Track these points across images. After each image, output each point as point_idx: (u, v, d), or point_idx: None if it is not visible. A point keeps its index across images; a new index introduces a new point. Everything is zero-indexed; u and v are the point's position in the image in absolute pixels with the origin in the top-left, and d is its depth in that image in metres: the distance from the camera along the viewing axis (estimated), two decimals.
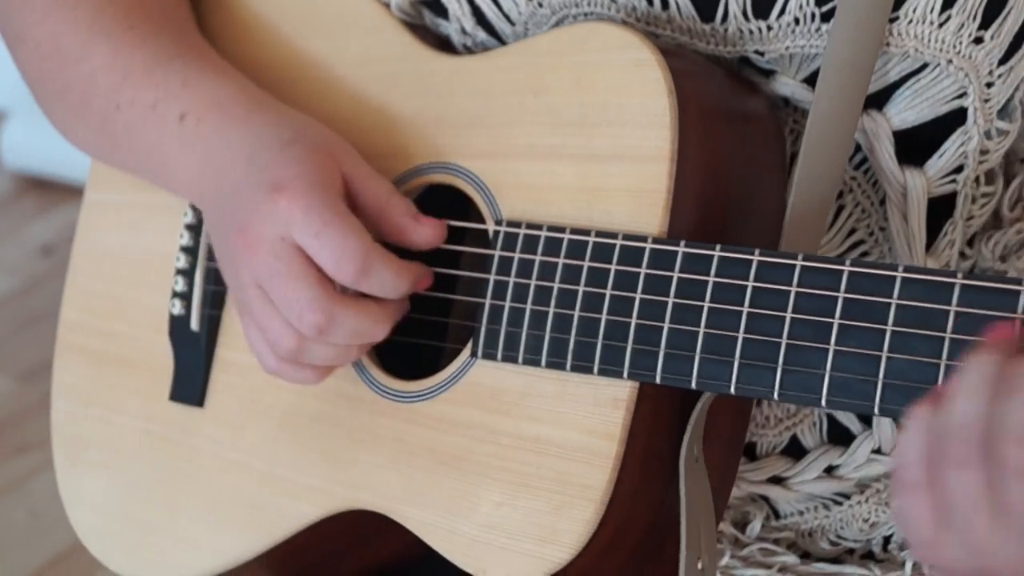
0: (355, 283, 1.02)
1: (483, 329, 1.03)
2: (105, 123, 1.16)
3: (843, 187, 1.07)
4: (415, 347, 1.11)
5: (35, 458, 2.65)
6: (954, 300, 0.86)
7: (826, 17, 1.01)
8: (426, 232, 1.06)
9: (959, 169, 1.06)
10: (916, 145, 1.05)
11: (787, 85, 1.05)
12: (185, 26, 1.20)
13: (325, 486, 1.10)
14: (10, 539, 2.56)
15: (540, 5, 1.08)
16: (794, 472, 1.13)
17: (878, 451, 1.12)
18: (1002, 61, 1.02)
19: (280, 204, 1.01)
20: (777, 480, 1.14)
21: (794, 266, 0.91)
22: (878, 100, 1.04)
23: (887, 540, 1.16)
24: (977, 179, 1.08)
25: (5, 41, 1.23)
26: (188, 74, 1.13)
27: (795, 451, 1.13)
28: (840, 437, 1.12)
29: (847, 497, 1.14)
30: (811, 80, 1.04)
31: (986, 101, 1.03)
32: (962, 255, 1.10)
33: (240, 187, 1.05)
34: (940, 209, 1.07)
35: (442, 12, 1.13)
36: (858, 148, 1.06)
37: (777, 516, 1.16)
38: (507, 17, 1.10)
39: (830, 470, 1.13)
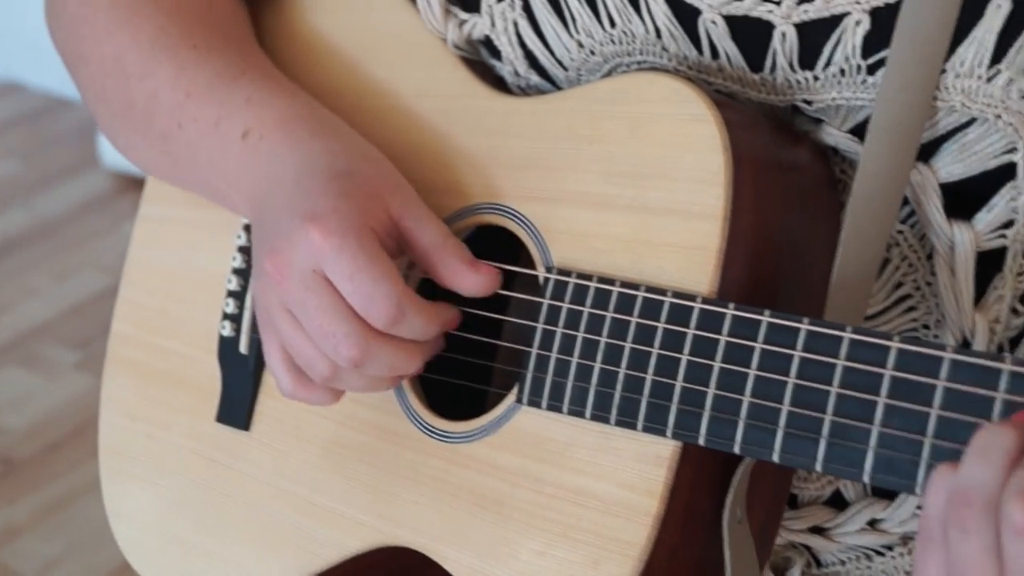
0: (386, 328, 1.01)
1: (529, 376, 1.02)
2: (166, 141, 1.16)
3: (890, 241, 1.05)
4: (460, 387, 1.11)
5: None
6: (1001, 387, 0.84)
7: (872, 69, 0.99)
8: (481, 280, 1.05)
9: (1009, 224, 1.04)
10: (964, 198, 1.03)
11: (832, 135, 1.04)
12: (248, 45, 1.20)
13: (367, 519, 1.10)
14: (91, 538, 2.59)
15: (592, 53, 1.07)
16: (836, 523, 1.12)
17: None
18: None
19: (313, 236, 1.00)
20: (819, 530, 1.13)
21: (842, 338, 0.90)
22: (925, 153, 1.02)
23: None
24: None
25: (67, 63, 1.23)
26: (252, 92, 1.12)
27: (838, 502, 1.12)
28: (885, 490, 1.11)
29: (890, 548, 1.13)
30: (856, 131, 1.03)
31: None
32: (1014, 311, 1.08)
33: (281, 208, 1.05)
34: (989, 263, 1.05)
35: (496, 53, 1.13)
36: (905, 201, 1.05)
37: (819, 564, 1.15)
38: (560, 63, 1.09)
39: (873, 523, 1.12)
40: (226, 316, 1.21)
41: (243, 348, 1.20)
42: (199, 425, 1.22)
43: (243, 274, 1.20)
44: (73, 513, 2.66)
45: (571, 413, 1.00)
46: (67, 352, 3.07)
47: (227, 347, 1.21)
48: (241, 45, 1.18)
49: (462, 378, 1.11)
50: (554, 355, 1.01)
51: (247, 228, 1.21)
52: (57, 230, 3.48)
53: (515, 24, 1.11)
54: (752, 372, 0.93)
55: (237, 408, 1.20)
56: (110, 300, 3.24)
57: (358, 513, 1.11)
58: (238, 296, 1.20)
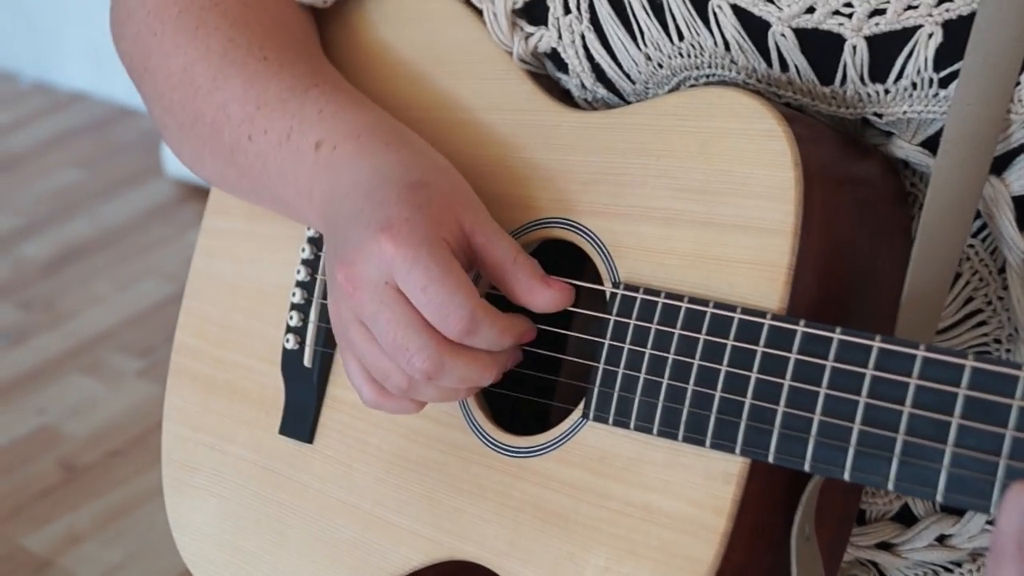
0: (460, 339, 1.00)
1: (596, 391, 1.01)
2: (235, 153, 1.16)
3: (960, 255, 1.04)
4: (525, 402, 1.10)
5: None
6: None
7: (944, 83, 0.98)
8: (554, 296, 1.04)
9: None
10: None
11: (903, 149, 1.03)
12: (317, 58, 1.20)
13: (430, 533, 1.10)
14: (153, 545, 2.60)
15: (660, 66, 1.07)
16: (904, 539, 1.11)
17: (992, 522, 1.09)
18: None
19: (386, 247, 1.00)
20: (886, 546, 1.12)
21: (915, 356, 0.89)
22: (998, 166, 1.01)
23: None
24: None
25: (133, 74, 1.23)
26: (324, 104, 1.12)
27: (906, 518, 1.11)
28: (952, 506, 1.09)
29: (959, 565, 1.12)
30: (927, 144, 1.02)
31: None
32: None
33: (353, 219, 1.04)
34: None
35: (563, 66, 1.12)
36: (975, 215, 1.03)
37: None
38: (627, 76, 1.09)
39: (942, 539, 1.11)
40: (290, 329, 1.21)
41: (307, 361, 1.20)
42: (262, 437, 1.22)
43: (307, 287, 1.20)
44: (135, 520, 2.67)
45: (638, 429, 0.99)
46: (130, 360, 3.08)
47: (291, 360, 1.21)
48: (310, 58, 1.18)
49: (527, 392, 1.10)
50: (621, 370, 1.00)
51: (311, 241, 1.21)
52: (121, 238, 3.50)
53: (582, 37, 1.10)
54: (823, 390, 0.92)
55: (301, 421, 1.20)
56: (173, 308, 3.25)
57: (421, 527, 1.10)
58: (302, 309, 1.20)
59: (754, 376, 0.94)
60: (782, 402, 0.93)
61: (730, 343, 0.96)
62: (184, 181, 3.60)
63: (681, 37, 1.05)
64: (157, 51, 1.19)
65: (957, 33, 0.97)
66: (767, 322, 0.94)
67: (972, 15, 0.96)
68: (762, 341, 0.94)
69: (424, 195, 1.03)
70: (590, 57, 1.10)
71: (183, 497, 1.28)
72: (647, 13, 1.06)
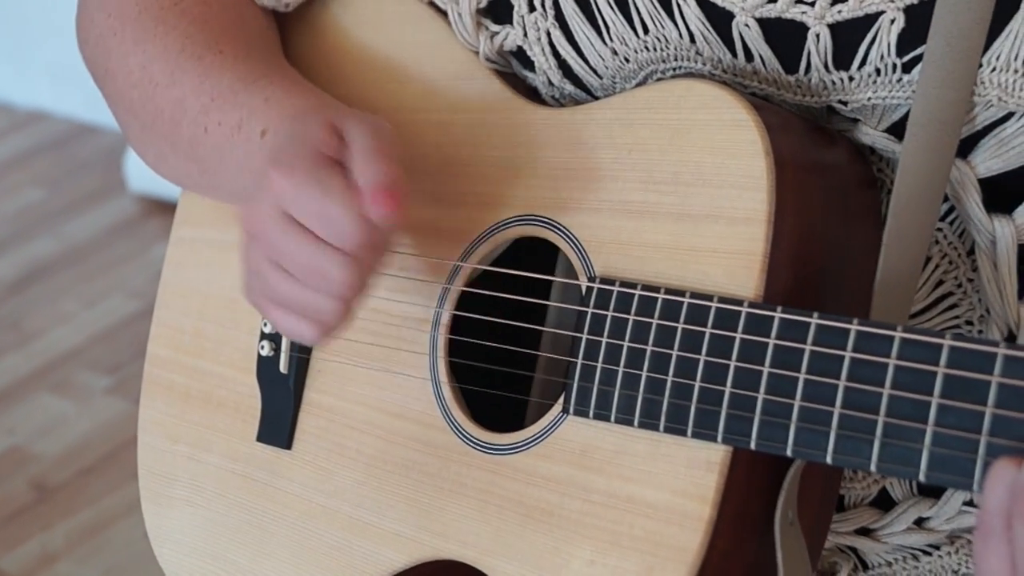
0: (363, 249, 0.98)
1: (575, 386, 1.02)
2: (193, 147, 1.16)
3: (931, 238, 1.05)
4: (504, 399, 1.10)
5: None
6: None
7: (907, 67, 0.99)
8: (373, 212, 0.99)
9: None
10: (1004, 193, 1.03)
11: (869, 135, 1.03)
12: (273, 54, 1.20)
13: (412, 534, 1.10)
14: (128, 562, 2.59)
15: (626, 60, 1.07)
16: (883, 524, 1.11)
17: (969, 503, 1.10)
18: None
19: (273, 178, 0.99)
20: (865, 532, 1.12)
21: (892, 338, 0.89)
22: (963, 149, 1.02)
23: None
24: None
25: (96, 78, 1.24)
26: (270, 93, 1.12)
27: (884, 503, 1.11)
28: (931, 489, 1.10)
29: (937, 548, 1.12)
30: (893, 130, 1.02)
31: None
32: None
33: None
34: None
35: (528, 64, 1.13)
36: (943, 199, 1.04)
37: (865, 567, 1.14)
38: (594, 71, 1.09)
39: (920, 522, 1.11)
40: (264, 336, 1.20)
41: (283, 367, 1.19)
42: (239, 445, 1.22)
43: None
44: (110, 537, 2.66)
45: (619, 421, 0.99)
46: (98, 377, 3.07)
47: (266, 366, 1.20)
48: (265, 54, 1.19)
49: (506, 390, 1.10)
50: (600, 364, 1.00)
51: None
52: (85, 256, 3.49)
53: (548, 34, 1.10)
54: (802, 375, 0.92)
55: (278, 427, 1.19)
56: (140, 324, 3.22)
57: (403, 528, 1.10)
58: None
59: (733, 364, 0.95)
60: (762, 388, 0.93)
61: (708, 332, 0.96)
62: (148, 197, 3.59)
63: (646, 31, 1.05)
64: (117, 51, 1.19)
65: (919, 17, 0.97)
66: (744, 309, 0.95)
67: (932, 0, 0.97)
68: (740, 328, 0.95)
69: (298, 121, 1.04)
70: (556, 54, 1.11)
71: (162, 508, 1.27)
72: (612, 8, 1.06)
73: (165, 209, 3.51)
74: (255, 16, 1.22)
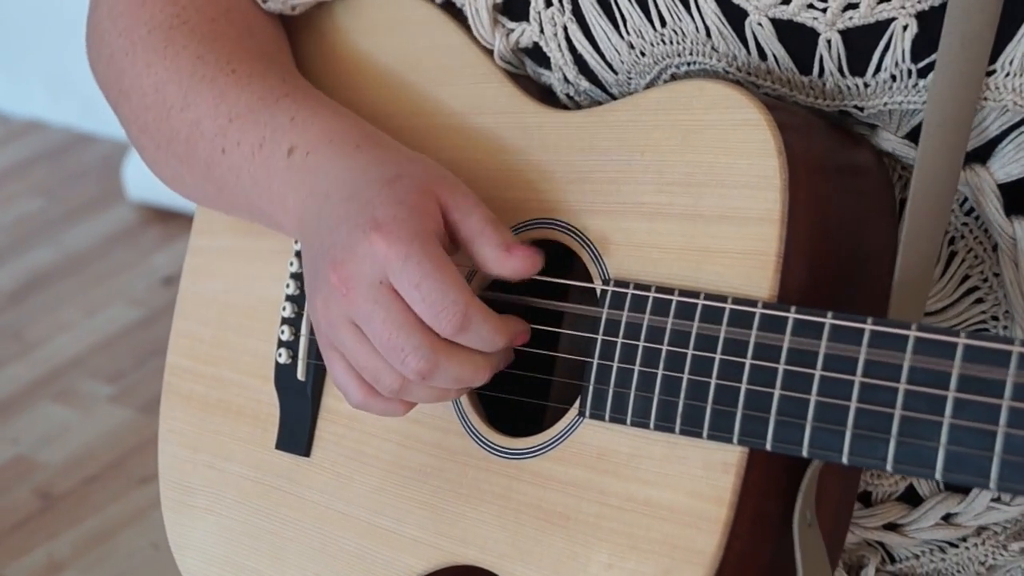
0: (453, 337, 1.01)
1: (591, 389, 1.02)
2: (211, 168, 1.16)
3: (955, 233, 1.05)
4: (520, 403, 1.11)
5: (157, 489, 2.67)
6: None
7: (923, 73, 0.99)
8: (515, 264, 1.03)
9: None
10: None
11: (889, 141, 1.04)
12: (288, 68, 1.20)
13: (430, 539, 1.10)
14: (134, 569, 2.59)
15: (642, 54, 1.07)
16: (910, 519, 1.11)
17: (997, 499, 1.10)
18: None
19: (378, 246, 1.00)
20: (893, 527, 1.12)
21: (907, 336, 0.90)
22: (981, 155, 1.02)
23: None
24: None
25: (110, 100, 1.24)
26: (296, 111, 1.13)
27: (911, 498, 1.12)
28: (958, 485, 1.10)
29: (964, 540, 1.13)
30: (912, 136, 1.03)
31: None
32: None
33: (339, 222, 1.04)
34: None
35: (544, 61, 1.13)
36: (965, 198, 1.05)
37: (892, 560, 1.15)
38: (610, 66, 1.09)
39: (947, 517, 1.11)
40: (282, 343, 1.21)
41: (300, 375, 1.20)
42: (259, 453, 1.22)
43: (297, 300, 1.20)
44: (115, 545, 2.66)
45: (635, 424, 1.00)
46: (101, 385, 3.07)
47: (284, 374, 1.21)
48: (281, 68, 1.19)
49: (521, 394, 1.11)
50: (615, 366, 1.01)
51: (300, 255, 1.21)
52: (85, 264, 3.49)
53: (565, 29, 1.11)
54: (817, 374, 0.92)
55: (297, 434, 1.20)
56: (141, 332, 3.22)
57: (421, 533, 1.11)
58: (293, 323, 1.20)
59: (748, 363, 0.95)
60: (777, 388, 0.94)
61: (723, 332, 0.96)
62: (146, 205, 3.59)
63: (663, 23, 1.06)
64: (130, 72, 1.19)
65: (932, 23, 0.98)
66: (759, 310, 0.95)
67: (944, 4, 0.97)
68: (755, 329, 0.95)
69: (403, 187, 1.03)
70: (572, 49, 1.11)
71: (183, 518, 1.28)
72: (630, 1, 1.07)
73: (164, 217, 3.52)
74: (264, 26, 1.22)
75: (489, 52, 1.15)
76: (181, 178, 1.21)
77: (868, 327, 0.91)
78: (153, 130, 1.19)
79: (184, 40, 1.18)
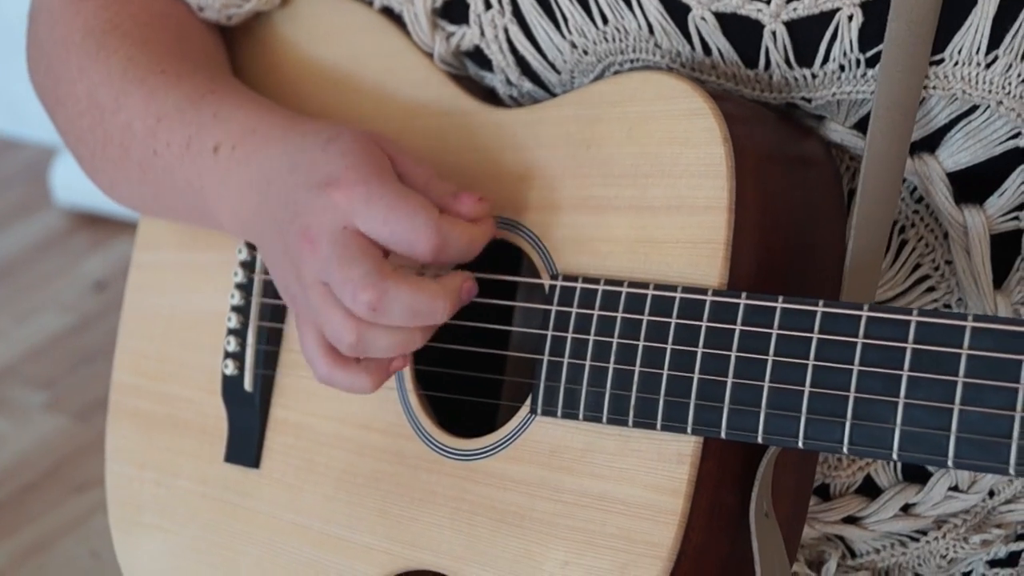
0: (436, 257, 0.99)
1: (542, 386, 1.01)
2: (145, 171, 1.15)
3: (905, 222, 1.05)
4: (471, 404, 1.10)
5: (95, 497, 2.65)
6: None
7: (871, 63, 0.99)
8: (467, 210, 1.02)
9: (1022, 206, 1.04)
10: (976, 183, 1.03)
11: (837, 132, 1.03)
12: (219, 70, 1.20)
13: (385, 545, 1.09)
14: None
15: (585, 53, 1.06)
16: (869, 512, 1.11)
17: (955, 488, 1.10)
18: None
19: (336, 197, 0.99)
20: (852, 520, 1.12)
21: (860, 317, 0.89)
22: (930, 143, 1.02)
23: None
24: None
25: (47, 108, 1.23)
26: (219, 107, 1.12)
27: (870, 490, 1.11)
28: (916, 474, 1.10)
29: (924, 533, 1.12)
30: (860, 126, 1.02)
31: None
32: None
33: (290, 195, 1.03)
34: (1009, 245, 1.05)
35: (486, 64, 1.12)
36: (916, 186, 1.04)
37: (853, 555, 1.14)
38: (552, 66, 1.09)
39: (906, 508, 1.11)
40: (228, 355, 1.19)
41: (248, 386, 1.18)
42: (208, 467, 1.21)
43: (242, 311, 1.19)
44: (54, 554, 2.64)
45: (587, 419, 0.99)
46: (33, 393, 3.05)
47: (231, 386, 1.20)
48: (210, 68, 1.18)
49: (471, 394, 1.10)
50: (566, 361, 1.00)
51: (244, 265, 1.20)
52: (13, 271, 3.46)
53: (505, 30, 1.10)
54: (770, 359, 0.92)
55: (245, 446, 1.18)
56: (73, 339, 3.18)
57: (376, 540, 1.10)
58: (239, 333, 1.19)
59: (700, 351, 0.94)
60: (730, 375, 0.93)
61: (674, 321, 0.96)
62: (75, 211, 3.56)
63: (605, 21, 1.05)
64: (65, 78, 1.19)
65: (877, 12, 0.97)
66: (709, 298, 0.94)
67: None
68: (706, 317, 0.94)
69: (344, 143, 1.03)
70: (514, 50, 1.10)
71: (133, 536, 1.26)
72: (570, 0, 1.06)
73: (93, 222, 3.49)
74: (199, 32, 1.21)
75: (430, 55, 1.14)
76: (118, 184, 1.20)
77: (820, 309, 0.91)
78: (88, 137, 1.18)
79: (116, 44, 1.17)
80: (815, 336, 0.91)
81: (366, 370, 1.03)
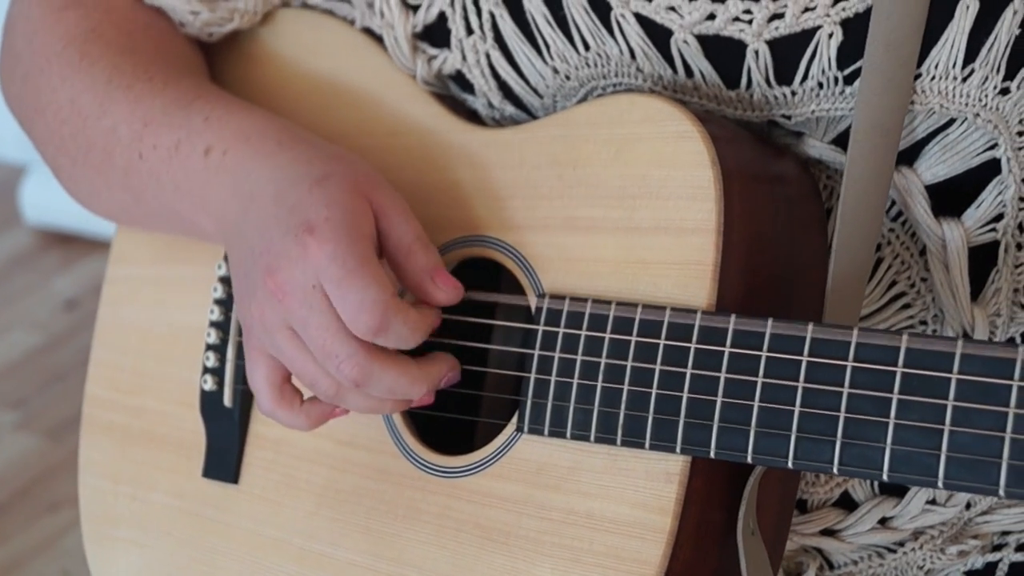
0: (372, 337, 0.99)
1: (528, 403, 1.01)
2: (128, 175, 1.14)
3: (881, 240, 1.06)
4: (456, 421, 1.10)
5: (67, 516, 2.63)
6: (1016, 374, 0.85)
7: (849, 80, 1.00)
8: (437, 293, 1.03)
9: (999, 218, 1.05)
10: (952, 197, 1.04)
11: (815, 147, 1.04)
12: (202, 75, 1.20)
13: (368, 562, 1.09)
14: None
15: (567, 78, 1.07)
16: (847, 525, 1.12)
17: (933, 501, 1.10)
18: None
19: (310, 248, 0.99)
20: (830, 532, 1.13)
21: (849, 342, 0.90)
22: (908, 156, 1.03)
23: None
24: (1020, 225, 1.06)
25: (23, 121, 1.23)
26: (210, 111, 1.11)
27: (847, 503, 1.12)
28: (893, 488, 1.11)
29: (901, 545, 1.13)
30: (839, 141, 1.04)
31: (1019, 150, 1.02)
32: (1023, 306, 1.08)
33: (267, 225, 1.03)
34: (985, 258, 1.06)
35: (468, 87, 1.13)
36: (894, 201, 1.05)
37: (831, 566, 1.15)
38: (535, 91, 1.09)
39: (884, 521, 1.12)
40: (207, 370, 1.19)
41: (227, 401, 1.18)
42: (185, 482, 1.20)
43: (222, 326, 1.19)
44: (26, 574, 2.62)
45: (575, 437, 0.99)
46: (4, 413, 3.03)
47: (210, 401, 1.19)
48: (195, 76, 1.18)
49: (457, 411, 1.10)
50: (553, 380, 1.00)
51: (223, 280, 1.19)
52: None
53: (487, 56, 1.10)
54: (760, 380, 0.92)
55: (224, 462, 1.18)
56: (43, 358, 3.16)
57: (359, 557, 1.09)
58: (218, 349, 1.19)
59: (689, 372, 0.95)
60: (719, 396, 0.94)
61: (662, 343, 0.96)
62: (45, 229, 3.54)
63: (587, 47, 1.06)
64: (46, 88, 1.18)
65: (856, 30, 0.99)
66: (698, 321, 0.95)
67: (868, 11, 0.98)
68: (694, 339, 0.95)
69: (333, 187, 1.02)
70: (496, 75, 1.10)
71: (107, 551, 1.25)
72: (551, 26, 1.06)
73: (64, 240, 3.47)
74: (181, 43, 1.21)
75: (412, 74, 1.15)
76: (98, 193, 1.19)
77: (808, 334, 0.91)
78: (70, 144, 1.17)
79: (100, 52, 1.16)
80: (804, 359, 0.91)
81: (306, 413, 1.06)
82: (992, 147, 1.01)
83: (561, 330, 1.00)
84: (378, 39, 1.16)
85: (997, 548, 1.14)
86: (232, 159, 1.08)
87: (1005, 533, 1.13)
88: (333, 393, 1.02)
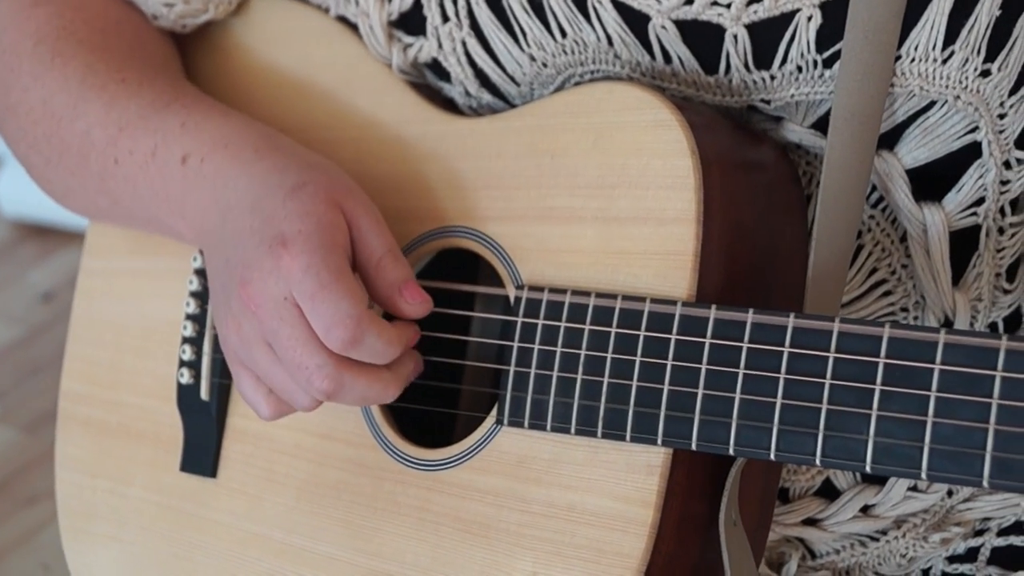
0: (344, 351, 0.99)
1: (508, 396, 1.01)
2: (104, 179, 1.13)
3: (862, 227, 1.05)
4: (435, 414, 1.09)
5: (45, 509, 2.62)
6: (999, 365, 0.84)
7: (828, 63, 0.99)
8: (404, 307, 1.02)
9: (979, 202, 1.05)
10: (933, 181, 1.04)
11: (795, 132, 1.04)
12: (178, 76, 1.19)
13: (348, 556, 1.08)
14: None
15: (544, 65, 1.06)
16: (829, 513, 1.12)
17: (914, 488, 1.10)
18: (1012, 91, 1.01)
19: (283, 260, 0.98)
20: (812, 522, 1.12)
21: (831, 331, 0.89)
22: (888, 140, 1.02)
23: (925, 573, 1.15)
24: (1002, 209, 1.06)
25: None
26: (186, 116, 1.10)
27: (829, 492, 1.12)
28: (875, 476, 1.10)
29: (884, 533, 1.13)
30: (819, 126, 1.03)
31: (1000, 132, 1.01)
32: (1005, 291, 1.08)
33: (243, 236, 1.02)
34: (966, 242, 1.05)
35: (444, 75, 1.12)
36: (874, 187, 1.05)
37: (813, 556, 1.15)
38: (511, 78, 1.08)
39: (866, 509, 1.12)
40: (184, 363, 1.18)
41: (204, 394, 1.17)
42: (162, 476, 1.19)
43: (198, 319, 1.18)
44: (4, 569, 2.61)
45: (555, 430, 0.99)
46: None
47: (187, 394, 1.18)
48: (170, 76, 1.17)
49: (436, 404, 1.09)
50: (533, 371, 0.99)
51: (199, 273, 1.19)
52: None
53: (463, 43, 1.09)
54: (741, 372, 0.92)
55: (202, 455, 1.17)
56: (20, 351, 3.15)
57: (339, 551, 1.09)
58: (194, 342, 1.18)
59: (670, 364, 0.94)
60: (701, 388, 0.93)
61: (642, 334, 0.95)
62: (21, 222, 3.53)
63: (564, 34, 1.05)
64: (16, 86, 1.16)
65: (836, 13, 0.98)
66: (678, 311, 0.94)
67: None
68: (675, 329, 0.94)
69: (307, 197, 1.01)
70: (472, 63, 1.10)
71: (85, 546, 1.24)
72: (528, 13, 1.05)
73: (40, 233, 3.46)
74: (154, 39, 1.20)
75: (388, 64, 1.14)
76: (73, 193, 1.18)
77: (790, 323, 0.91)
78: (43, 145, 1.16)
79: (72, 51, 1.15)
80: (786, 350, 0.91)
81: (313, 400, 1.04)
82: (973, 130, 1.01)
83: (540, 321, 1.00)
84: (353, 27, 1.15)
85: (979, 533, 1.14)
86: (209, 167, 1.07)
87: (987, 519, 1.13)
88: (309, 405, 1.01)
